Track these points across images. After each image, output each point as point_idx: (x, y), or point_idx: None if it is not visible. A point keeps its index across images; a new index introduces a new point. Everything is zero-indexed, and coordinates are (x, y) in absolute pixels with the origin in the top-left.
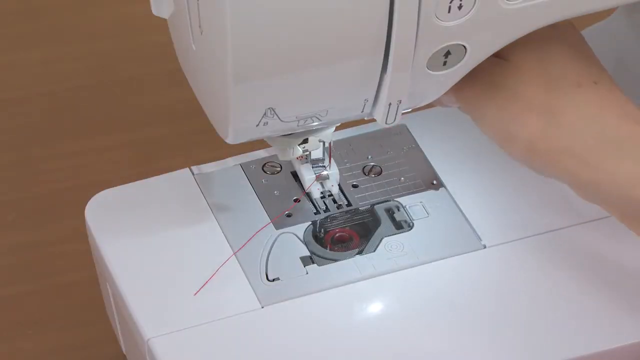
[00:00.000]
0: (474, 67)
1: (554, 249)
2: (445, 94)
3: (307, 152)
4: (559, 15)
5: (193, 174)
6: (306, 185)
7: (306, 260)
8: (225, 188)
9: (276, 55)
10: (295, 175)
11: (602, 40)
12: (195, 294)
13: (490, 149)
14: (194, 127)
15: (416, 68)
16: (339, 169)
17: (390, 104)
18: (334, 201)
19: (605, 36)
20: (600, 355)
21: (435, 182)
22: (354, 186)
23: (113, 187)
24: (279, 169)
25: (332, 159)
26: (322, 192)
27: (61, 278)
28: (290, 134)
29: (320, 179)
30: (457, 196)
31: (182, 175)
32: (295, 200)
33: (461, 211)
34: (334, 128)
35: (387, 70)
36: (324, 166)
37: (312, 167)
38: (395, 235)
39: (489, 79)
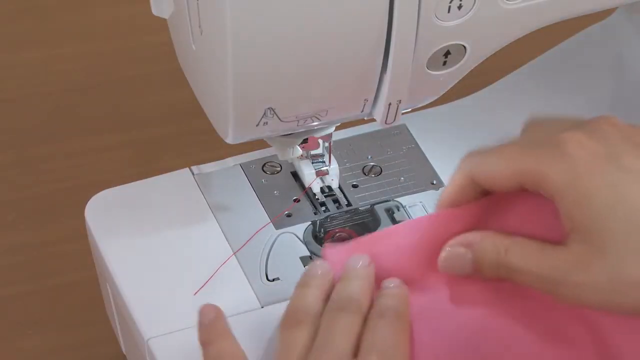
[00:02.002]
0: (473, 67)
1: None
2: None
3: (307, 152)
4: (559, 15)
5: (193, 174)
6: (306, 180)
7: (306, 260)
8: (225, 188)
9: (276, 56)
10: (295, 175)
11: (602, 40)
12: (195, 293)
13: None
14: (194, 127)
15: (416, 68)
16: (339, 170)
17: (390, 104)
18: (334, 201)
19: (605, 36)
20: None
21: (435, 182)
22: (354, 186)
23: (113, 187)
24: (279, 169)
25: (332, 155)
26: (321, 187)
27: (61, 278)
28: (290, 134)
29: (320, 174)
30: None
31: (182, 175)
32: (295, 200)
33: None
34: (334, 128)
35: (387, 70)
36: (324, 162)
37: (312, 163)
38: None
39: None
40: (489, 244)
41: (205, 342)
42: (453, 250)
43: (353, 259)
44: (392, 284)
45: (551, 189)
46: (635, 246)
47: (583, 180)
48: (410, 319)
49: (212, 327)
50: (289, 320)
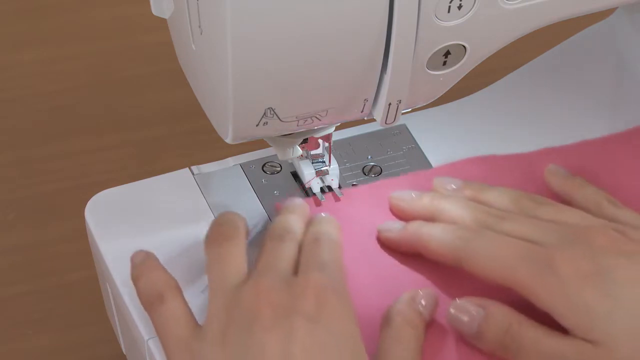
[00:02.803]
0: (473, 67)
1: None
2: None
3: (307, 152)
4: (559, 15)
5: (193, 174)
6: (306, 180)
7: None
8: (225, 188)
9: (276, 55)
10: (295, 175)
11: (602, 40)
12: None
13: (489, 149)
14: (194, 127)
15: (416, 68)
16: (339, 169)
17: (390, 104)
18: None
19: (605, 36)
20: None
21: None
22: (354, 186)
23: (113, 187)
24: (279, 169)
25: (332, 155)
26: (321, 187)
27: (61, 278)
28: (290, 134)
29: (320, 174)
30: None
31: (182, 175)
32: None
33: None
34: (334, 128)
35: (387, 70)
36: (324, 162)
37: (312, 163)
38: None
39: None
40: (503, 310)
41: (135, 278)
42: (466, 304)
43: (290, 200)
44: (322, 215)
45: (543, 304)
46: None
47: (576, 295)
48: (342, 242)
49: (141, 264)
50: (215, 237)
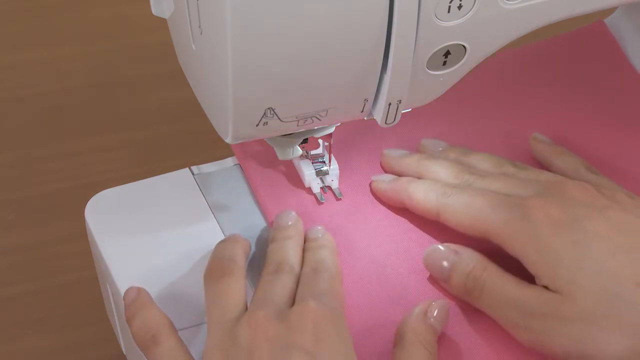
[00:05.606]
0: (473, 67)
1: None
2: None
3: (307, 152)
4: (559, 15)
5: (193, 174)
6: (306, 180)
7: None
8: (225, 188)
9: (276, 55)
10: None
11: None
12: None
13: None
14: (194, 127)
15: (416, 68)
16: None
17: (390, 104)
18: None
19: None
20: None
21: None
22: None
23: (113, 187)
24: None
25: (332, 155)
26: (321, 187)
27: (61, 278)
28: (290, 134)
29: (320, 174)
30: None
31: (182, 175)
32: None
33: None
34: (334, 128)
35: (387, 70)
36: (324, 162)
37: (312, 163)
38: None
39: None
40: (470, 254)
41: (129, 319)
42: (440, 248)
43: (281, 216)
44: (319, 234)
45: (514, 250)
46: (605, 303)
47: (546, 241)
48: (340, 266)
49: (133, 303)
50: (214, 272)
